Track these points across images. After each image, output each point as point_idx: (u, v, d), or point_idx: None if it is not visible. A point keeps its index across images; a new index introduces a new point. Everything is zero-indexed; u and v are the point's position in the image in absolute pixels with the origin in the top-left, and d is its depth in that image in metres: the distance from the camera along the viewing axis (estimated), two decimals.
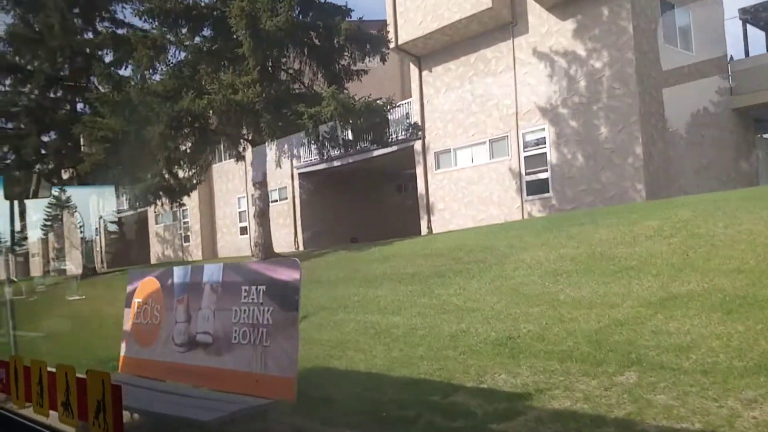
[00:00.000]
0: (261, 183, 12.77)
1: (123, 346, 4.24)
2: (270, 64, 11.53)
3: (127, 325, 4.18)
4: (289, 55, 12.09)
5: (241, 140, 12.53)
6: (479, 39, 15.45)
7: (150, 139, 10.44)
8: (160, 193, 14.21)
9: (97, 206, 26.49)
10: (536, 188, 14.29)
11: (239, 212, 23.43)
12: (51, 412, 2.61)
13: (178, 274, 4.08)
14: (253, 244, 13.37)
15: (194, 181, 14.23)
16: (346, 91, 11.65)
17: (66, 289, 17.39)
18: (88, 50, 17.79)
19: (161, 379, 3.60)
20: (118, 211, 29.62)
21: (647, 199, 12.27)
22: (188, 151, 11.93)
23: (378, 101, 11.36)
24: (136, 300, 4.12)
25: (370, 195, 21.47)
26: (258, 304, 3.44)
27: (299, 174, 20.53)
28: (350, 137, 11.64)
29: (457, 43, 15.85)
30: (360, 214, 20.69)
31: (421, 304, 7.17)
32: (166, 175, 13.63)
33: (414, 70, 17.19)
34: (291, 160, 19.18)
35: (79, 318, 12.23)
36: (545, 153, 14.14)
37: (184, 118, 10.28)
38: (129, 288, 4.24)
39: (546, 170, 14.13)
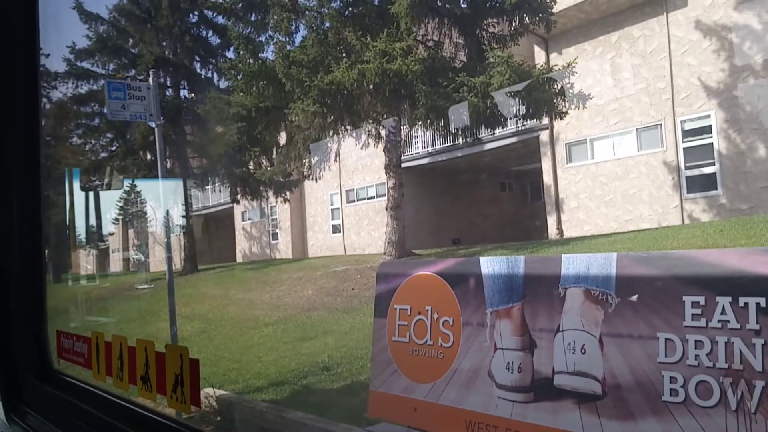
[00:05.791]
0: (396, 168, 11.29)
1: (372, 375, 2.51)
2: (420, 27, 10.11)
3: (380, 345, 2.41)
4: (436, 17, 10.56)
5: (381, 118, 11.18)
6: (623, 16, 13.62)
7: (288, 118, 9.27)
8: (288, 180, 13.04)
9: (180, 200, 25.86)
10: (700, 185, 12.23)
11: (332, 209, 22.33)
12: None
13: (494, 267, 2.18)
14: (386, 240, 11.98)
15: (315, 170, 12.99)
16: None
17: (183, 286, 16.37)
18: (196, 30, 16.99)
19: None
20: (203, 207, 29.18)
21: None
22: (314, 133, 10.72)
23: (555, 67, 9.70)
24: (398, 307, 2.39)
25: (474, 192, 19.92)
26: (741, 331, 1.65)
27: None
28: (513, 115, 10.03)
29: (593, 21, 14.06)
30: (462, 213, 19.22)
31: None
32: (297, 162, 12.40)
33: (539, 53, 15.41)
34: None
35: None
36: (712, 143, 12.07)
37: (334, 92, 8.97)
38: (380, 288, 2.48)
39: (713, 163, 12.04)
